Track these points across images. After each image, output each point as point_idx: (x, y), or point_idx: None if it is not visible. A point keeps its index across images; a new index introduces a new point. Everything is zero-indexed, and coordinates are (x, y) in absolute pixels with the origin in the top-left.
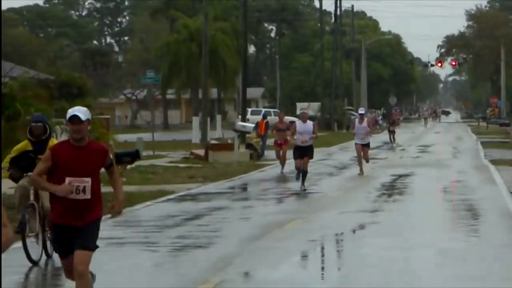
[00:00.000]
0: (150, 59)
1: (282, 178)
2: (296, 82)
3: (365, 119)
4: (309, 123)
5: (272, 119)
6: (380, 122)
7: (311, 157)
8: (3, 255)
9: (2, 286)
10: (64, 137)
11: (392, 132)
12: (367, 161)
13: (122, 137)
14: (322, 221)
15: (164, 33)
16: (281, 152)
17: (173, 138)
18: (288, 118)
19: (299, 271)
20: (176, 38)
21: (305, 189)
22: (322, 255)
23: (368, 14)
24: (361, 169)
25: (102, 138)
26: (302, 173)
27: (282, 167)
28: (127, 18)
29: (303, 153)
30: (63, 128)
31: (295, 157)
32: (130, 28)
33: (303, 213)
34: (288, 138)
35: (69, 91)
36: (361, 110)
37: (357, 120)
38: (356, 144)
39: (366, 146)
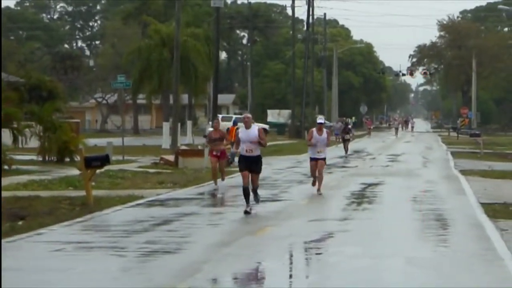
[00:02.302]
0: (121, 63)
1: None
2: (267, 89)
3: (324, 130)
4: (254, 129)
5: (242, 125)
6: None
7: (259, 170)
8: None
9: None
10: (34, 140)
11: (346, 141)
12: (320, 173)
13: (92, 141)
14: (291, 229)
15: (136, 38)
16: (217, 165)
17: (143, 143)
18: (259, 125)
19: (268, 278)
20: (148, 43)
21: (258, 199)
22: (291, 263)
23: (341, 23)
24: (314, 181)
25: (71, 142)
26: (253, 190)
27: (223, 178)
28: (99, 22)
29: (250, 165)
30: (32, 132)
31: (241, 170)
32: (101, 32)
33: (273, 220)
34: (227, 147)
35: (39, 94)
36: (320, 119)
37: (314, 130)
38: (311, 159)
39: (323, 160)
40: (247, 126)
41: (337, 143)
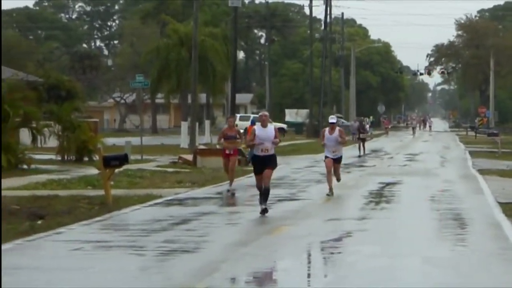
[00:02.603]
0: (139, 63)
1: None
2: (285, 89)
3: (337, 128)
4: (270, 128)
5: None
6: (369, 129)
7: (274, 166)
8: None
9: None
10: (53, 140)
11: (362, 140)
12: (338, 180)
13: (110, 141)
14: (309, 228)
15: (154, 38)
16: (229, 164)
17: (161, 142)
18: (276, 125)
19: (286, 277)
20: (166, 42)
21: (265, 208)
22: (309, 262)
23: (358, 22)
24: (330, 189)
25: (90, 142)
26: (263, 190)
27: (230, 183)
28: (117, 22)
29: (265, 164)
30: (51, 131)
31: (256, 172)
32: (120, 32)
33: (291, 219)
34: (243, 146)
35: (57, 93)
36: (332, 119)
37: (327, 130)
38: (326, 157)
39: (337, 161)
40: (264, 125)
41: (354, 143)
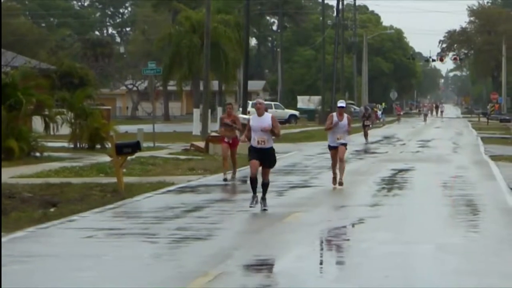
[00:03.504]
0: (151, 50)
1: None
2: (298, 76)
3: (345, 115)
4: (267, 116)
5: (273, 111)
6: (381, 116)
7: (273, 165)
8: None
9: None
10: (65, 127)
11: (366, 127)
12: (341, 160)
13: (122, 128)
14: (322, 215)
15: (166, 25)
16: (229, 152)
17: (173, 129)
18: (288, 112)
19: (299, 264)
20: (178, 29)
21: (265, 209)
22: (322, 249)
23: (370, 9)
24: (334, 179)
25: (102, 129)
26: (262, 184)
27: (234, 172)
28: (129, 9)
29: (262, 158)
30: (63, 119)
31: (250, 159)
32: (132, 19)
33: (303, 206)
34: (241, 138)
35: (70, 81)
36: (341, 103)
37: (334, 115)
38: (330, 148)
39: (343, 145)
40: (260, 114)
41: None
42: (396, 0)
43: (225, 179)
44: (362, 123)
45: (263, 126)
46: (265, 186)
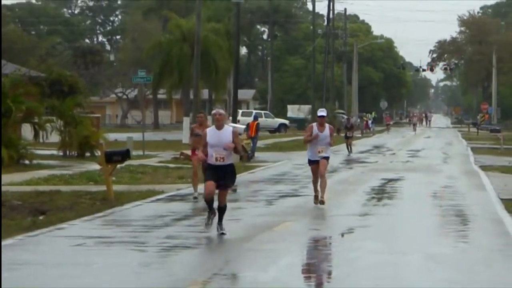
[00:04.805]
0: (141, 58)
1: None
2: (288, 85)
3: (327, 125)
4: (227, 130)
5: (263, 120)
6: (371, 125)
7: (230, 184)
8: None
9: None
10: (55, 135)
11: (349, 139)
12: (322, 176)
13: (112, 136)
14: (311, 224)
15: (157, 33)
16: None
17: (163, 138)
18: (278, 121)
19: (287, 273)
20: (168, 38)
21: (223, 233)
22: (311, 258)
23: (361, 18)
24: (316, 197)
25: (92, 137)
26: (218, 208)
27: (195, 188)
28: (120, 17)
29: (218, 176)
30: (53, 126)
31: (206, 179)
32: (122, 27)
33: (293, 215)
34: (198, 156)
35: (60, 89)
36: (321, 111)
37: (315, 125)
38: (310, 162)
39: (325, 159)
40: (219, 126)
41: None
42: (386, 10)
43: (195, 197)
44: (345, 134)
45: (223, 142)
46: (221, 210)
